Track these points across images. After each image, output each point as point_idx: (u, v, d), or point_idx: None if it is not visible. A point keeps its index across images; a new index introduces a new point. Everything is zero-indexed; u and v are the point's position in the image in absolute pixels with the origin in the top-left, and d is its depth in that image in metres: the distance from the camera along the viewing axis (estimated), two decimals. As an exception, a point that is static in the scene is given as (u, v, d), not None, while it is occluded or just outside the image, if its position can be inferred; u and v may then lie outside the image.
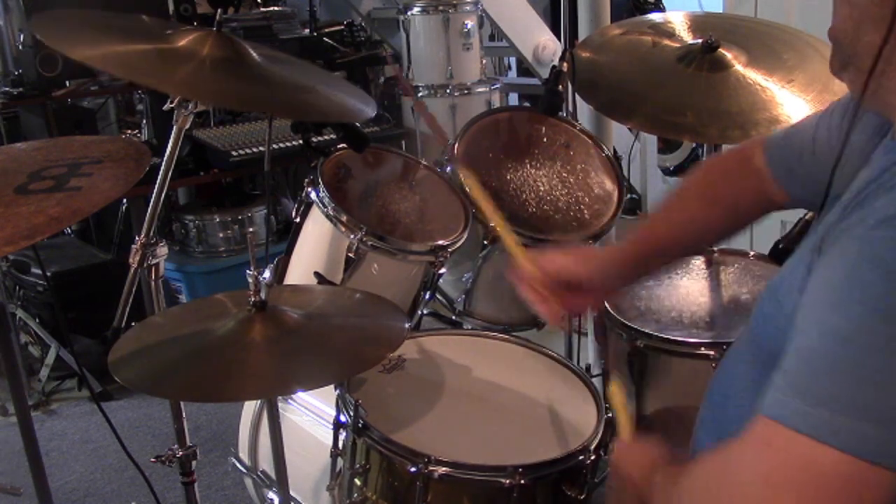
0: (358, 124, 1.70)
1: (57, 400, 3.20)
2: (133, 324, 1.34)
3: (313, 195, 1.66)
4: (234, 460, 1.90)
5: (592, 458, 1.35)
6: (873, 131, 0.93)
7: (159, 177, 1.46)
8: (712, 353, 1.50)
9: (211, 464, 2.60)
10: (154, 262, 1.46)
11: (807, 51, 1.87)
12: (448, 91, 3.85)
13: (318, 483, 1.65)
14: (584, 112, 2.29)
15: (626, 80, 1.94)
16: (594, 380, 1.59)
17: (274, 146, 3.26)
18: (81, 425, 2.99)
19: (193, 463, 1.56)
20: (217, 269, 3.59)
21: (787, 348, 0.78)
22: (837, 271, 0.75)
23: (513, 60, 5.48)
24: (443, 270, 1.72)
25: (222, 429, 2.83)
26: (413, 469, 1.29)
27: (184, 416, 1.54)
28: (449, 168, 1.84)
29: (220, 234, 3.66)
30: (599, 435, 1.39)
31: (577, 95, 2.09)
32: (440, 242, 1.68)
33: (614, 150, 2.52)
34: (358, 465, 1.38)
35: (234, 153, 3.35)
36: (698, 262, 1.88)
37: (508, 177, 1.89)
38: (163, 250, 1.47)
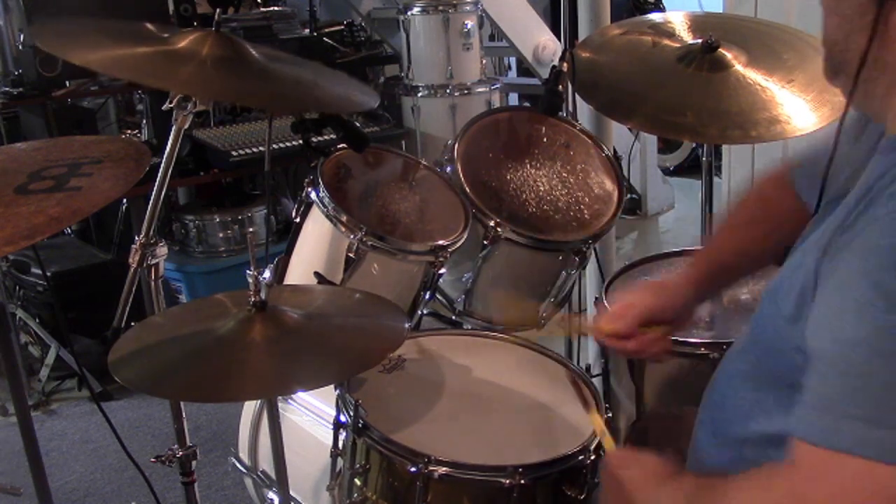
0: (358, 124, 1.70)
1: (57, 400, 3.20)
2: (133, 324, 1.33)
3: (313, 195, 1.66)
4: (234, 460, 1.90)
5: (592, 458, 1.35)
6: (879, 136, 0.94)
7: (159, 177, 1.46)
8: (712, 353, 1.50)
9: (211, 464, 2.60)
10: (154, 262, 1.46)
11: (807, 51, 1.87)
12: (448, 91, 3.85)
13: (318, 483, 1.65)
14: (584, 112, 2.29)
15: (626, 80, 1.93)
16: (594, 380, 1.59)
17: (274, 146, 3.26)
18: (81, 425, 2.99)
19: (193, 463, 1.56)
20: (217, 269, 3.59)
21: (811, 364, 0.78)
22: (854, 281, 0.75)
23: (513, 60, 5.48)
24: (443, 270, 1.72)
25: (222, 429, 2.83)
26: (413, 469, 1.29)
27: (184, 416, 1.54)
28: (449, 168, 1.84)
29: (220, 234, 3.66)
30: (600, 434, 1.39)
31: (577, 95, 2.09)
32: (440, 242, 1.68)
33: (614, 150, 2.52)
34: (358, 465, 1.38)
35: (234, 153, 3.35)
36: (698, 262, 1.88)
37: (508, 177, 1.89)
38: (163, 250, 1.47)
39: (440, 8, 3.77)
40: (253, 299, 1.22)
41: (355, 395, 1.40)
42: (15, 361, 1.62)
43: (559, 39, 3.56)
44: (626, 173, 4.30)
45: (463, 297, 1.87)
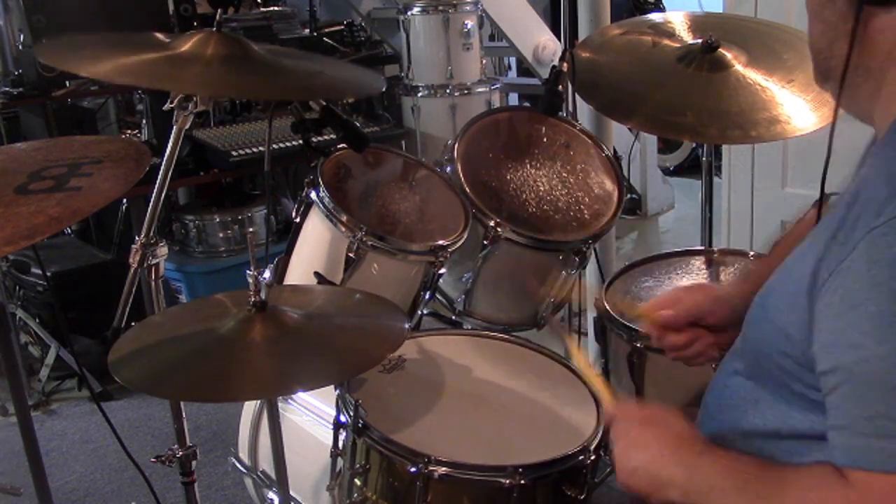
0: (358, 124, 1.70)
1: (57, 400, 3.20)
2: (133, 324, 1.34)
3: (313, 195, 1.66)
4: (234, 460, 1.90)
5: (592, 458, 1.35)
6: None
7: (159, 177, 1.46)
8: (712, 353, 1.50)
9: (211, 464, 2.60)
10: (154, 262, 1.46)
11: (807, 51, 1.86)
12: (448, 91, 3.85)
13: (318, 483, 1.65)
14: (584, 112, 2.29)
15: (626, 80, 1.93)
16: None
17: (274, 146, 3.25)
18: (81, 425, 2.99)
19: (193, 463, 1.56)
20: (217, 269, 3.59)
21: (832, 382, 0.77)
22: (866, 294, 0.74)
23: (513, 60, 5.48)
24: (443, 270, 1.72)
25: (222, 429, 2.83)
26: (413, 469, 1.29)
27: (184, 416, 1.54)
28: (449, 168, 1.84)
29: (220, 234, 3.66)
30: (599, 435, 1.39)
31: (577, 95, 2.09)
32: (440, 242, 1.68)
33: (614, 150, 2.52)
34: (358, 465, 1.38)
35: (234, 153, 3.35)
36: (698, 263, 1.89)
37: (508, 177, 1.89)
38: (163, 250, 1.47)
39: (440, 8, 3.77)
40: (253, 299, 1.22)
41: (355, 395, 1.40)
42: (15, 361, 1.62)
43: (559, 39, 3.56)
44: (626, 173, 4.30)
45: (463, 297, 1.87)
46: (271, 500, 1.78)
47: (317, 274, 1.64)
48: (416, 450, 1.30)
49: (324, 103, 1.65)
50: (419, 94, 3.90)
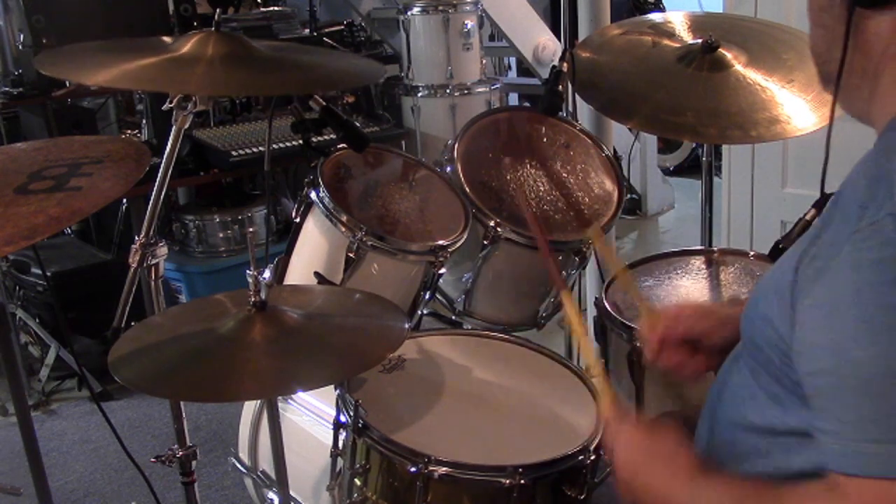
0: (358, 124, 1.71)
1: (57, 400, 3.20)
2: (133, 324, 1.34)
3: (313, 195, 1.66)
4: (234, 460, 1.90)
5: (592, 458, 1.35)
6: None
7: (159, 177, 1.46)
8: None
9: (211, 464, 2.60)
10: (154, 262, 1.46)
11: (807, 51, 1.85)
12: (448, 91, 3.85)
13: (318, 483, 1.65)
14: (584, 112, 2.29)
15: (626, 80, 1.94)
16: (594, 380, 1.59)
17: (274, 146, 3.26)
18: (81, 425, 2.99)
19: (193, 463, 1.56)
20: (217, 269, 3.59)
21: (818, 385, 0.78)
22: (849, 298, 0.75)
23: (513, 60, 5.49)
24: (443, 270, 1.72)
25: (222, 429, 2.83)
26: (413, 469, 1.29)
27: (184, 416, 1.54)
28: (449, 168, 1.84)
29: (220, 234, 3.66)
30: (599, 435, 1.39)
31: (577, 95, 2.09)
32: (440, 242, 1.68)
33: (614, 150, 2.52)
34: (358, 465, 1.38)
35: (233, 153, 3.35)
36: (698, 262, 1.89)
37: (508, 177, 1.89)
38: (163, 250, 1.47)
39: (440, 8, 3.77)
40: (253, 299, 1.22)
41: (355, 395, 1.40)
42: (15, 361, 1.62)
43: (559, 39, 3.56)
44: (626, 173, 4.30)
45: (463, 297, 1.87)
46: (271, 500, 1.78)
47: (317, 274, 1.64)
48: (416, 450, 1.30)
49: (324, 103, 1.65)
50: (419, 94, 3.90)
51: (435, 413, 1.44)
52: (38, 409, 3.10)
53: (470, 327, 1.88)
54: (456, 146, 1.87)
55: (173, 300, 3.54)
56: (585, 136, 2.02)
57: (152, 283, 1.48)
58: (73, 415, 3.08)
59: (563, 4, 2.36)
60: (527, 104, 4.79)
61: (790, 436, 0.90)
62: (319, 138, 1.68)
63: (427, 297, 1.77)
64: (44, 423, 3.00)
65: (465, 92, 3.87)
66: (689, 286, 1.79)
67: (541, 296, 1.91)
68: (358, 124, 1.99)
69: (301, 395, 1.77)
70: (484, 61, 3.98)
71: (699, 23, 2.01)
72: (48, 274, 3.24)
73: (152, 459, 1.54)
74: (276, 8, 4.31)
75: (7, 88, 3.45)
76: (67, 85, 3.44)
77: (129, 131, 3.96)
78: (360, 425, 1.35)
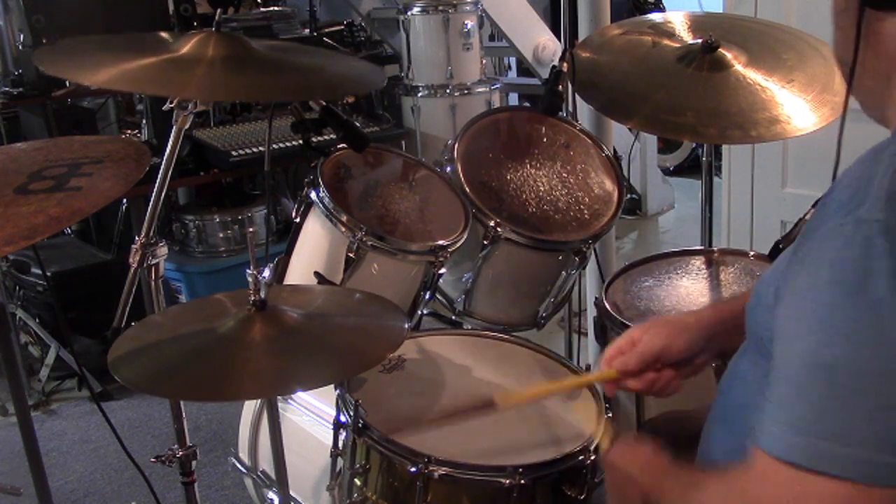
0: (358, 124, 1.70)
1: (57, 400, 3.20)
2: (133, 324, 1.34)
3: (313, 195, 1.66)
4: (234, 460, 1.90)
5: (592, 458, 1.35)
6: None
7: (159, 177, 1.46)
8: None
9: (211, 464, 2.60)
10: (154, 262, 1.46)
11: (807, 51, 1.87)
12: (448, 91, 3.85)
13: (318, 483, 1.65)
14: (584, 112, 2.29)
15: (626, 80, 1.94)
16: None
17: (274, 146, 3.26)
18: (81, 425, 2.99)
19: (193, 463, 1.56)
20: (217, 269, 3.59)
21: (773, 371, 0.80)
22: (806, 294, 0.77)
23: (513, 60, 5.49)
24: (443, 270, 1.72)
25: (222, 429, 2.83)
26: (413, 469, 1.29)
27: (184, 416, 1.54)
28: (449, 168, 1.84)
29: (220, 234, 3.66)
30: (600, 434, 1.39)
31: (577, 95, 2.09)
32: (440, 242, 1.68)
33: (614, 150, 2.52)
34: (358, 465, 1.38)
35: (233, 153, 3.35)
36: (698, 262, 1.89)
37: (508, 177, 1.89)
38: (163, 250, 1.47)
39: (440, 8, 3.77)
40: (253, 298, 1.22)
41: (355, 395, 1.40)
42: (15, 361, 1.62)
43: (559, 39, 3.56)
44: (626, 173, 4.30)
45: (463, 297, 1.87)
46: (271, 500, 1.78)
47: (317, 274, 1.64)
48: (416, 450, 1.30)
49: (324, 103, 1.65)
50: (419, 94, 3.90)
51: (435, 413, 1.44)
52: (38, 409, 3.10)
53: (470, 327, 1.88)
54: (456, 146, 1.87)
55: (173, 300, 3.54)
56: (585, 136, 2.02)
57: (152, 283, 1.48)
58: (73, 415, 3.08)
59: (563, 4, 2.36)
60: (527, 104, 4.79)
61: None
62: (319, 138, 1.68)
63: (427, 297, 1.77)
64: (44, 423, 3.00)
65: (465, 92, 3.87)
66: (689, 286, 1.79)
67: (541, 296, 1.91)
68: (358, 124, 1.99)
69: (301, 395, 1.77)
70: (484, 61, 3.98)
71: (699, 23, 2.01)
72: (48, 274, 3.24)
73: (152, 459, 1.54)
74: (276, 8, 4.31)
75: (7, 88, 3.45)
76: (67, 85, 3.44)
77: (129, 131, 3.96)
78: (360, 425, 1.35)
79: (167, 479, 2.15)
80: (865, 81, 0.89)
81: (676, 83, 1.86)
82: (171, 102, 1.43)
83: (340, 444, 1.47)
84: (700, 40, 1.88)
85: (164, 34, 1.47)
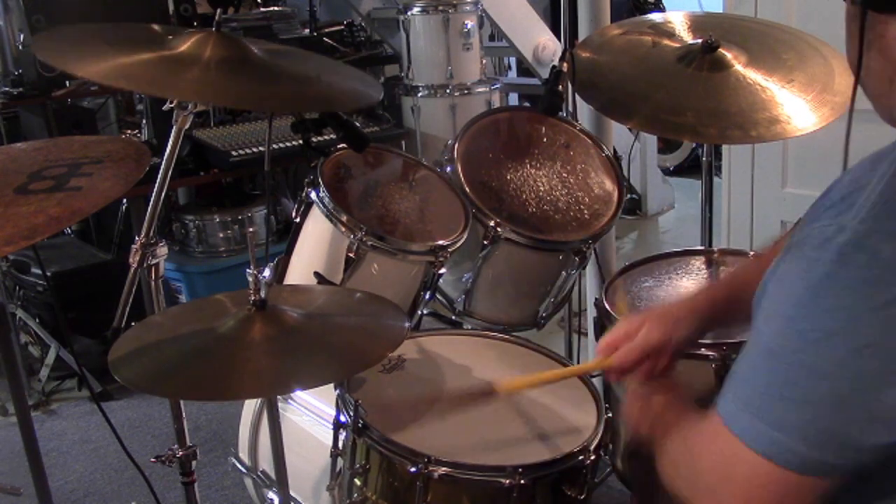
0: (358, 124, 1.70)
1: (57, 400, 3.20)
2: (133, 324, 1.34)
3: (313, 195, 1.66)
4: (234, 460, 1.90)
5: (592, 458, 1.35)
6: None
7: (159, 177, 1.46)
8: (712, 353, 1.50)
9: (211, 464, 2.60)
10: (154, 262, 1.46)
11: (807, 51, 1.87)
12: (448, 91, 3.85)
13: (318, 483, 1.65)
14: (584, 112, 2.29)
15: (626, 80, 1.93)
16: (594, 380, 1.59)
17: (274, 146, 3.26)
18: (81, 425, 2.99)
19: (193, 463, 1.56)
20: (217, 269, 3.59)
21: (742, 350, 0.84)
22: (784, 286, 0.80)
23: (513, 60, 5.49)
24: (443, 270, 1.72)
25: (222, 429, 2.83)
26: (413, 469, 1.29)
27: (184, 416, 1.54)
28: (449, 168, 1.84)
29: (220, 234, 3.66)
30: (599, 435, 1.39)
31: (577, 95, 2.09)
32: (440, 242, 1.68)
33: (614, 150, 2.52)
34: (358, 465, 1.38)
35: (233, 153, 3.35)
36: (698, 263, 1.89)
37: (508, 177, 1.89)
38: (163, 250, 1.47)
39: (440, 8, 3.77)
40: (253, 298, 1.22)
41: (355, 395, 1.40)
42: (15, 361, 1.62)
43: (559, 39, 3.56)
44: (626, 173, 4.30)
45: (463, 297, 1.87)
46: (271, 500, 1.78)
47: (317, 274, 1.65)
48: (416, 450, 1.30)
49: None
50: (419, 94, 3.90)
51: (435, 413, 1.44)
52: (38, 409, 3.10)
53: (470, 327, 1.88)
54: (456, 146, 1.87)
55: (173, 300, 3.54)
56: (585, 136, 2.03)
57: (152, 283, 1.48)
58: (73, 415, 3.08)
59: (563, 4, 2.36)
60: (527, 104, 4.79)
61: None
62: (319, 138, 1.68)
63: (427, 297, 1.77)
64: (44, 423, 3.00)
65: (465, 92, 3.87)
66: (690, 286, 1.79)
67: (541, 296, 1.91)
68: (358, 124, 1.99)
69: (301, 395, 1.77)
70: (484, 61, 3.97)
71: (699, 23, 2.01)
72: (48, 274, 3.24)
73: (152, 459, 1.54)
74: (276, 8, 4.31)
75: (7, 88, 3.44)
76: (67, 85, 3.44)
77: (129, 131, 3.96)
78: (360, 425, 1.35)
79: (167, 479, 2.15)
80: (872, 84, 0.89)
81: (676, 83, 1.86)
82: (170, 102, 1.43)
83: (340, 444, 1.47)
84: (700, 40, 1.88)
85: (166, 29, 1.46)
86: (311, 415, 1.74)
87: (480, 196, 1.80)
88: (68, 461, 2.78)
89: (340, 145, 1.73)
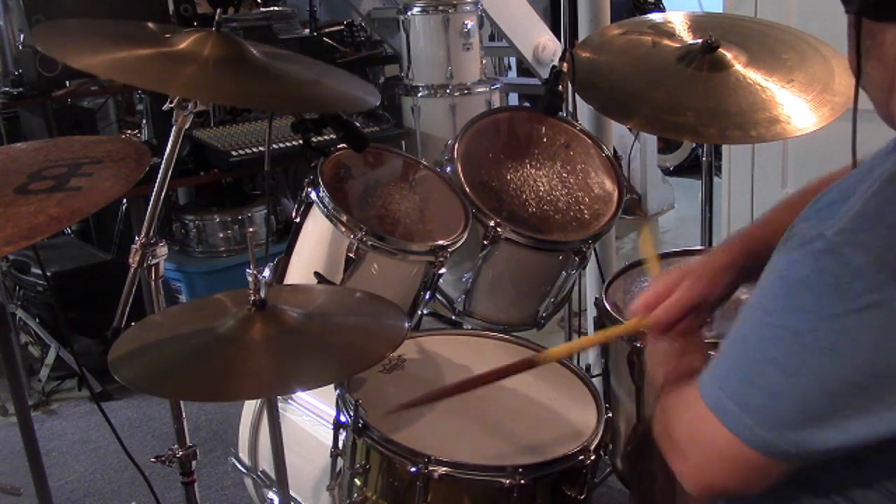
0: (358, 124, 1.70)
1: (57, 400, 3.20)
2: (133, 324, 1.34)
3: (313, 195, 1.66)
4: (234, 460, 1.90)
5: (592, 458, 1.35)
6: None
7: (159, 177, 1.46)
8: (712, 353, 1.49)
9: (211, 464, 2.60)
10: (154, 262, 1.46)
11: (807, 51, 1.87)
12: (448, 91, 3.85)
13: (318, 483, 1.65)
14: (584, 112, 2.29)
15: (626, 80, 1.93)
16: (594, 380, 1.60)
17: (274, 146, 3.25)
18: (81, 425, 2.99)
19: (193, 463, 1.56)
20: (217, 269, 3.59)
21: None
22: (769, 278, 0.84)
23: (513, 60, 5.48)
24: (443, 270, 1.72)
25: (222, 429, 2.83)
26: (413, 469, 1.29)
27: (184, 416, 1.54)
28: (449, 168, 1.84)
29: (220, 234, 3.66)
30: (599, 435, 1.39)
31: (577, 95, 2.09)
32: (440, 242, 1.68)
33: (614, 150, 2.53)
34: (358, 465, 1.38)
35: (233, 153, 3.35)
36: (698, 262, 1.88)
37: (508, 177, 1.89)
38: (163, 250, 1.47)
39: (440, 8, 3.77)
40: (253, 298, 1.22)
41: (355, 395, 1.40)
42: (15, 361, 1.62)
43: (559, 39, 3.56)
44: (626, 173, 4.30)
45: (463, 297, 1.87)
46: (271, 500, 1.78)
47: (317, 274, 1.65)
48: (416, 450, 1.30)
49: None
50: (419, 94, 3.90)
51: (435, 413, 1.44)
52: (38, 409, 3.10)
53: (470, 327, 1.88)
54: (456, 146, 1.87)
55: (173, 300, 3.54)
56: (585, 136, 2.03)
57: (152, 283, 1.48)
58: (73, 415, 3.08)
59: (563, 4, 2.36)
60: (527, 104, 4.78)
61: None
62: (319, 138, 1.68)
63: (427, 297, 1.77)
64: (44, 423, 3.00)
65: (465, 92, 3.87)
66: (689, 286, 1.78)
67: (541, 296, 1.91)
68: (358, 124, 1.98)
69: (301, 395, 1.77)
70: (484, 61, 3.97)
71: (699, 23, 2.01)
72: (48, 274, 3.24)
73: (152, 459, 1.54)
74: (276, 8, 4.31)
75: (7, 88, 3.44)
76: (67, 85, 3.44)
77: (129, 131, 3.96)
78: (360, 425, 1.35)
79: (167, 479, 2.15)
80: (872, 91, 0.90)
81: (676, 83, 1.86)
82: (170, 102, 1.43)
83: (340, 444, 1.47)
84: (700, 40, 1.88)
85: (165, 28, 1.46)
86: (311, 415, 1.74)
87: (480, 196, 1.80)
88: (68, 461, 2.78)
89: (340, 145, 1.73)
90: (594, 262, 2.18)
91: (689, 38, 1.95)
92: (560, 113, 2.04)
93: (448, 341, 1.69)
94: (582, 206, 1.89)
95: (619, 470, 1.77)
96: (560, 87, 2.00)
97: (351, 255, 1.62)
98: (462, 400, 1.48)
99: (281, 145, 3.28)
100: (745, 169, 2.72)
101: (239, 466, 1.89)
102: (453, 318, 1.91)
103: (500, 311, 1.93)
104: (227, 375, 1.16)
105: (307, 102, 1.50)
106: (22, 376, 2.54)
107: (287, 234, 1.83)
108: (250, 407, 1.89)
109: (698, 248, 2.03)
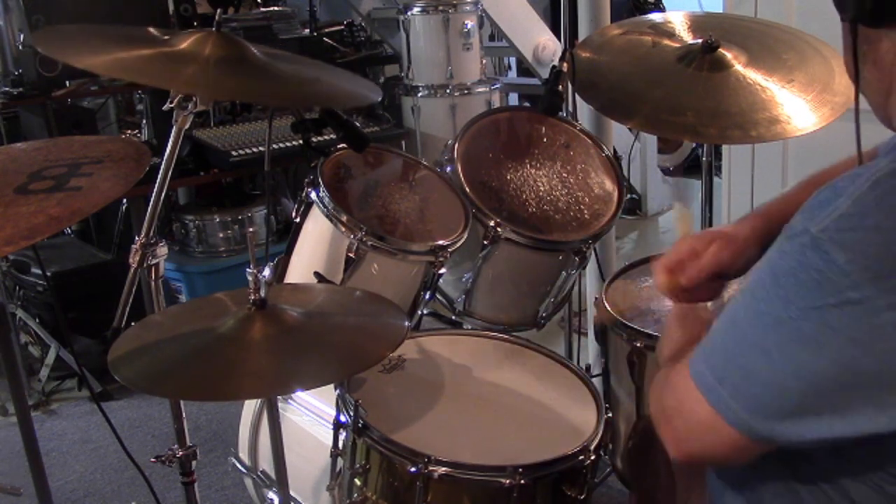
0: (358, 124, 1.70)
1: (57, 400, 3.20)
2: (133, 324, 1.34)
3: (313, 195, 1.66)
4: (234, 460, 1.90)
5: (592, 458, 1.35)
6: None
7: (159, 177, 1.46)
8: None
9: (211, 464, 2.60)
10: (154, 262, 1.46)
11: (807, 51, 1.87)
12: (448, 91, 3.85)
13: (318, 483, 1.65)
14: (584, 112, 2.29)
15: (626, 80, 1.93)
16: (594, 380, 1.60)
17: (274, 146, 3.25)
18: (81, 425, 2.99)
19: (193, 463, 1.56)
20: (217, 269, 3.59)
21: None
22: (763, 266, 0.86)
23: (513, 60, 5.48)
24: (443, 270, 1.72)
25: (222, 429, 2.83)
26: (413, 469, 1.29)
27: (184, 416, 1.54)
28: (449, 168, 1.84)
29: (220, 234, 3.66)
30: (599, 435, 1.39)
31: (577, 95, 2.09)
32: (440, 242, 1.68)
33: (614, 150, 2.52)
34: (358, 465, 1.38)
35: (233, 153, 3.35)
36: (698, 262, 1.88)
37: (508, 177, 1.90)
38: (163, 250, 1.47)
39: (440, 8, 3.77)
40: (253, 297, 1.22)
41: (355, 395, 1.40)
42: (15, 361, 1.62)
43: (559, 39, 3.56)
44: (626, 173, 4.30)
45: (463, 297, 1.87)
46: (271, 500, 1.78)
47: (317, 274, 1.65)
48: (416, 450, 1.30)
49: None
50: (419, 94, 3.90)
51: (435, 413, 1.44)
52: (38, 409, 3.10)
53: (470, 327, 1.88)
54: (456, 146, 1.87)
55: (173, 300, 3.54)
56: (585, 136, 2.03)
57: (152, 283, 1.48)
58: (73, 415, 3.08)
59: (563, 4, 2.36)
60: (527, 104, 4.78)
61: None
62: (319, 138, 1.68)
63: (427, 297, 1.77)
64: (44, 423, 3.00)
65: (465, 92, 3.87)
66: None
67: (541, 296, 1.91)
68: (358, 124, 1.98)
69: (301, 395, 1.77)
70: (484, 61, 3.97)
71: (699, 23, 2.01)
72: (48, 274, 3.24)
73: (152, 459, 1.54)
74: (276, 8, 4.30)
75: (7, 88, 3.44)
76: (67, 85, 3.44)
77: (129, 131, 3.96)
78: (360, 425, 1.35)
79: (167, 479, 2.15)
80: (870, 95, 0.91)
81: (676, 83, 1.86)
82: (171, 102, 1.43)
83: (340, 444, 1.47)
84: (700, 40, 1.88)
85: (165, 31, 1.46)
86: (311, 415, 1.74)
87: (480, 196, 1.80)
88: (68, 461, 2.78)
89: (340, 145, 1.73)
90: (594, 262, 2.18)
91: (689, 38, 1.95)
92: (560, 113, 2.04)
93: (448, 341, 1.69)
94: (582, 206, 1.89)
95: (619, 470, 1.77)
96: (560, 87, 2.01)
97: (351, 255, 1.62)
98: (462, 400, 1.48)
99: (281, 145, 3.28)
100: (745, 169, 2.71)
101: (239, 466, 1.89)
102: (453, 318, 1.91)
103: (500, 311, 1.93)
104: (227, 375, 1.16)
105: (309, 98, 1.50)
106: (22, 376, 2.54)
107: (287, 234, 1.83)
108: (250, 407, 1.89)
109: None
